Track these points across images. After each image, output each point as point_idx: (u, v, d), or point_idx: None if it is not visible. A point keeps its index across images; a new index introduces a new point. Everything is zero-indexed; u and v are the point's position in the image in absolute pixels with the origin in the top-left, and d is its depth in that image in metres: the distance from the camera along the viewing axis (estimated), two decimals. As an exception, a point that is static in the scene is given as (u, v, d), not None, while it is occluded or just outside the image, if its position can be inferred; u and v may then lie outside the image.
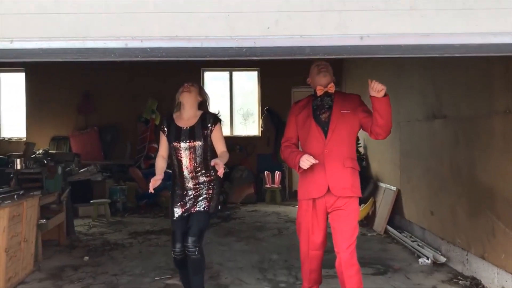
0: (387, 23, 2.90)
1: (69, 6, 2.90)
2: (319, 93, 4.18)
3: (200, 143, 4.37)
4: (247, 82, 12.66)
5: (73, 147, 11.96)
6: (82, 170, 10.49)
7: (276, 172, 11.93)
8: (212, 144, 4.42)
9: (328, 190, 4.09)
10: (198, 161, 4.39)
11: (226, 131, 11.95)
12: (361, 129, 4.22)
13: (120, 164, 11.84)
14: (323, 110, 4.17)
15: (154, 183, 4.24)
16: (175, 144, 4.41)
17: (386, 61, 7.77)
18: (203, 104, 4.55)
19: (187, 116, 4.47)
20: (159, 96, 11.70)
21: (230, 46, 2.91)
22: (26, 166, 7.89)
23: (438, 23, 2.91)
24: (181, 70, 9.83)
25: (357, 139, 7.79)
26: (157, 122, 11.46)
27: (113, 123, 12.21)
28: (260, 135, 12.54)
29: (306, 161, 3.93)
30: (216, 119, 4.46)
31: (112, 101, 12.21)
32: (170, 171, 4.64)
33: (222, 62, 10.67)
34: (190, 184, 4.42)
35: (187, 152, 4.38)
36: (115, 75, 11.84)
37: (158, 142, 4.75)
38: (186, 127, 4.44)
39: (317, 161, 3.96)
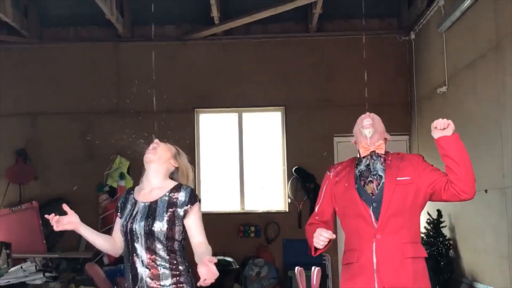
0: None
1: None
2: (363, 153, 3.83)
3: (163, 228, 3.81)
4: (266, 128, 11.52)
5: (-1, 232, 10.86)
6: (13, 268, 9.20)
7: (313, 268, 9.56)
8: (183, 232, 3.91)
9: None
10: (160, 254, 3.84)
11: (235, 205, 11.05)
12: (429, 200, 3.96)
13: (72, 258, 10.57)
14: (370, 179, 3.80)
15: (55, 219, 3.66)
16: (125, 225, 3.91)
17: (483, 86, 7.09)
18: (178, 174, 4.07)
19: (149, 187, 3.98)
20: (132, 152, 10.32)
21: None
22: None
23: None
24: (164, 111, 9.97)
25: (440, 215, 7.94)
26: (128, 192, 10.41)
27: (61, 196, 10.56)
28: (287, 209, 10.97)
29: (318, 237, 3.56)
30: (193, 196, 3.88)
31: (59, 162, 10.80)
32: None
33: (227, 97, 10.33)
34: None
35: (141, 239, 3.81)
36: (65, 123, 10.66)
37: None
38: (145, 202, 3.91)
39: (333, 236, 3.60)
